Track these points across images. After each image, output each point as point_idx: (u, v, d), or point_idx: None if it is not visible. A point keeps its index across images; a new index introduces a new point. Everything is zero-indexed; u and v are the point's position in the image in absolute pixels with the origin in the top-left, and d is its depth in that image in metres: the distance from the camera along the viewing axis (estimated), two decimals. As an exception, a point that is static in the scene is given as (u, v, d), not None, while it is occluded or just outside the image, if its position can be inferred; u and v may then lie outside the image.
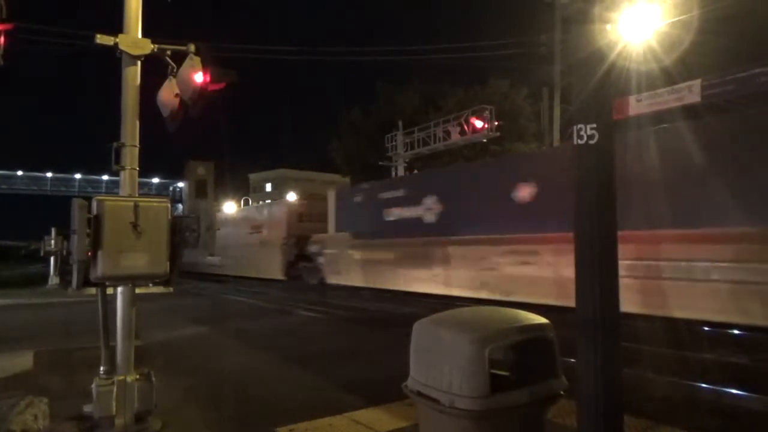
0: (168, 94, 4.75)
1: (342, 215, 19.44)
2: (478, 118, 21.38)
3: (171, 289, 4.56)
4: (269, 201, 39.79)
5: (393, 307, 14.26)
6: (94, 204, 4.04)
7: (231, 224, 28.70)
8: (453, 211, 14.23)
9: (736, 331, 8.89)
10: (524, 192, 11.97)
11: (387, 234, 16.50)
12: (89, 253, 3.95)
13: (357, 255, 17.88)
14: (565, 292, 9.93)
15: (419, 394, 2.85)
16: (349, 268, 18.17)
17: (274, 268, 22.73)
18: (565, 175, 8.91)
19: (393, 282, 16.02)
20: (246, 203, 33.01)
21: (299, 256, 21.14)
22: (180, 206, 57.95)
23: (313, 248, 20.43)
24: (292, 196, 32.10)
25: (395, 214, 16.45)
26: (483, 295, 12.56)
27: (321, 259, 19.85)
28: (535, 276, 11.40)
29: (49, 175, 59.73)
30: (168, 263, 4.26)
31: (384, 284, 16.36)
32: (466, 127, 21.81)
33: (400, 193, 16.58)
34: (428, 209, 15.08)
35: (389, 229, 16.47)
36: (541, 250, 11.32)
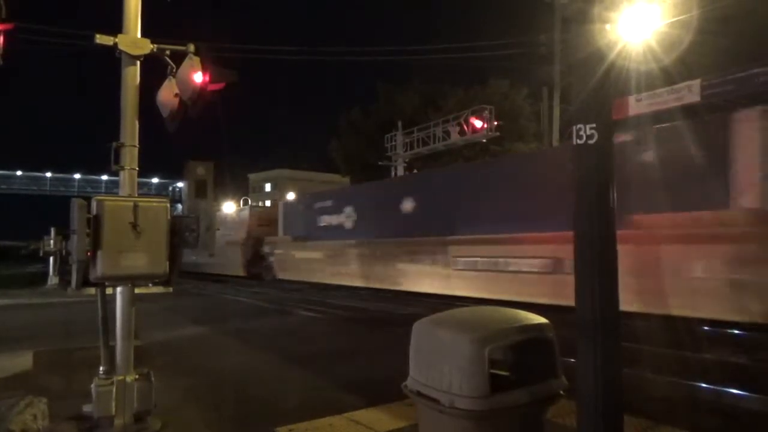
0: (167, 94, 4.75)
1: (287, 221, 23.15)
2: (477, 118, 21.38)
3: (171, 289, 4.56)
4: (268, 202, 39.84)
5: (393, 308, 14.28)
6: (94, 204, 4.03)
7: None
8: (363, 219, 18.00)
9: (736, 331, 8.90)
10: (407, 205, 15.82)
11: (318, 237, 20.15)
12: (89, 253, 3.94)
13: (297, 254, 21.58)
14: (438, 283, 14.09)
15: (419, 394, 2.85)
16: (291, 265, 21.85)
17: (237, 266, 25.71)
18: (434, 193, 14.86)
19: (321, 276, 19.56)
20: (245, 203, 33.04)
21: (256, 256, 24.42)
22: (179, 206, 57.97)
23: (266, 249, 23.92)
24: (291, 196, 32.56)
25: (325, 220, 20.08)
26: (378, 285, 16.43)
27: (272, 258, 23.38)
28: (418, 269, 14.84)
29: (49, 175, 59.75)
30: (167, 263, 4.26)
31: (315, 278, 19.86)
32: (465, 127, 21.82)
33: (328, 203, 20.20)
34: (348, 217, 18.76)
35: (320, 233, 20.10)
36: (420, 250, 14.90)
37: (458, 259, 13.58)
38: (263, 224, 25.40)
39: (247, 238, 25.35)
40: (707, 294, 8.71)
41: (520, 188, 12.32)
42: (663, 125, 10.26)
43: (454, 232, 13.76)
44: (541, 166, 12.52)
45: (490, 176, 14.07)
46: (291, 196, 36.47)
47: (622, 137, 10.39)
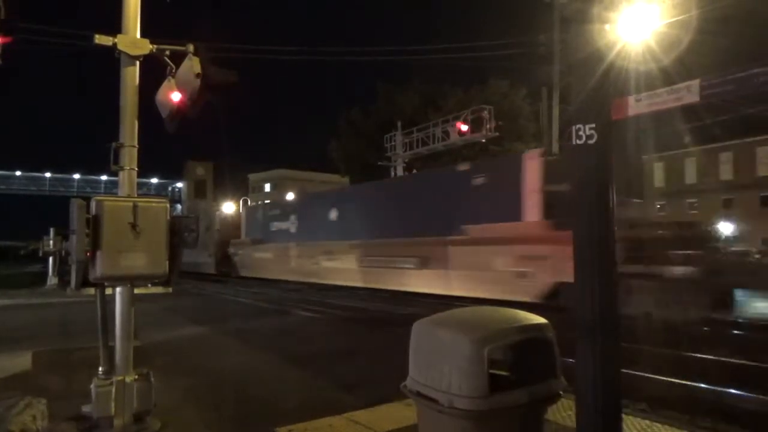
0: (167, 94, 4.75)
1: (248, 225, 26.71)
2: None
3: (170, 290, 4.56)
4: (268, 201, 39.86)
5: (392, 308, 14.29)
6: (93, 204, 4.03)
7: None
8: (303, 225, 21.55)
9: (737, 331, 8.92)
10: (332, 215, 19.48)
11: (271, 240, 23.70)
12: (88, 254, 3.94)
13: (254, 254, 24.91)
14: (351, 277, 17.73)
15: (418, 394, 2.85)
16: (250, 264, 25.33)
17: (209, 265, 28.64)
18: (349, 205, 18.88)
19: (271, 273, 23.14)
20: (245, 203, 33.11)
21: (224, 256, 27.39)
22: (179, 206, 57.91)
23: (231, 249, 27.09)
24: (291, 197, 33.00)
25: (275, 225, 23.54)
26: (313, 280, 20.00)
27: (236, 258, 26.56)
28: (339, 267, 18.27)
29: (48, 175, 59.74)
30: (167, 263, 4.26)
31: (267, 275, 23.38)
32: (460, 128, 21.81)
33: (278, 212, 24.19)
34: (292, 224, 22.36)
35: (272, 237, 23.63)
36: (339, 252, 18.33)
37: (364, 258, 17.09)
38: (232, 227, 28.58)
39: (218, 239, 28.40)
40: (503, 281, 12.14)
41: (407, 203, 16.12)
42: (490, 161, 16.49)
43: (362, 237, 17.34)
44: (417, 186, 17.32)
45: (385, 193, 18.51)
46: (290, 196, 36.64)
47: (462, 167, 14.89)
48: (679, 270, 9.27)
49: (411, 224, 15.26)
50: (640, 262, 9.60)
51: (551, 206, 11.51)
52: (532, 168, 12.25)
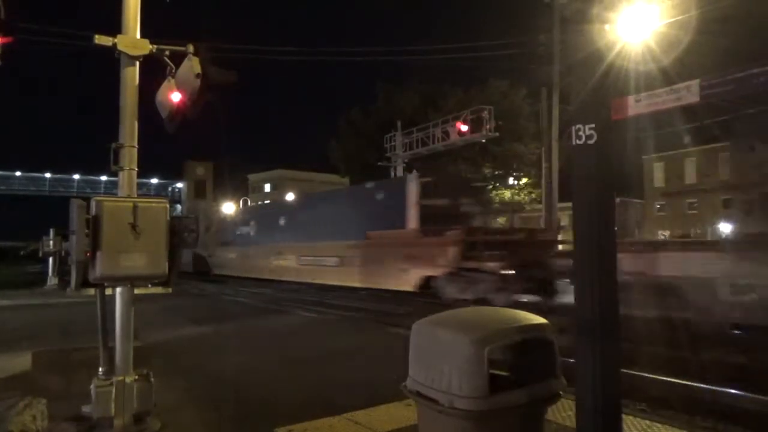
0: (167, 94, 4.75)
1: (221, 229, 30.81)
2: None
3: (170, 290, 4.56)
4: (268, 201, 39.96)
5: (392, 307, 14.30)
6: (93, 204, 4.03)
7: None
8: (260, 230, 25.51)
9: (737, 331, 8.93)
10: (281, 221, 23.40)
11: (236, 243, 27.55)
12: (88, 254, 3.94)
13: (223, 255, 28.63)
14: (293, 274, 21.11)
15: (418, 394, 2.85)
16: (220, 263, 28.81)
17: (186, 264, 29.81)
18: (292, 213, 24.01)
19: (236, 271, 26.46)
20: (245, 204, 33.21)
21: (200, 255, 29.47)
22: (179, 207, 57.92)
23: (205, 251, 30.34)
24: (291, 197, 33.23)
25: (241, 230, 27.45)
26: (266, 276, 23.05)
27: (210, 258, 29.56)
28: (285, 265, 21.86)
29: (48, 175, 59.68)
30: (167, 264, 4.26)
31: (234, 273, 26.55)
32: (460, 129, 21.81)
33: (241, 218, 28.86)
34: (251, 228, 26.40)
35: (238, 239, 27.50)
36: (285, 252, 21.93)
37: (301, 257, 20.65)
38: (207, 230, 30.84)
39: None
40: (391, 276, 15.40)
41: (331, 213, 19.73)
42: (387, 181, 21.64)
43: (300, 241, 20.89)
44: (338, 199, 21.58)
45: (317, 204, 22.23)
46: (290, 196, 36.82)
47: (368, 185, 19.13)
48: (498, 264, 12.46)
49: (333, 230, 18.86)
50: (477, 259, 12.87)
51: (425, 217, 15.46)
52: (412, 187, 16.01)
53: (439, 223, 14.37)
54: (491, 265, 12.52)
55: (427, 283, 14.00)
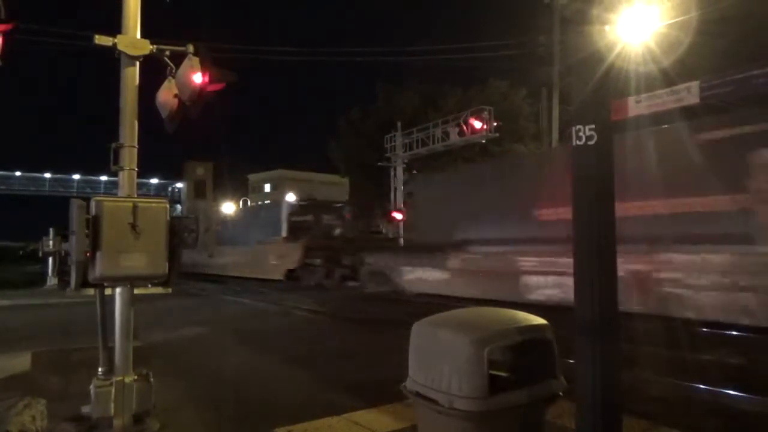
0: (167, 94, 4.75)
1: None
2: (476, 118, 21.36)
3: (170, 290, 4.56)
4: (268, 201, 40.08)
5: (392, 308, 14.28)
6: (93, 204, 4.02)
7: None
8: (236, 232, 29.11)
9: (732, 331, 8.94)
10: (253, 223, 27.20)
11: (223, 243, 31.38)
12: (88, 254, 3.94)
13: (193, 255, 31.22)
14: (235, 270, 25.84)
15: (418, 394, 2.85)
16: (192, 263, 30.82)
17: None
18: (240, 220, 32.08)
19: (226, 272, 28.53)
20: (245, 204, 33.25)
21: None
22: (179, 207, 57.82)
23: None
24: (291, 197, 33.42)
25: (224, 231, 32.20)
26: (219, 272, 26.81)
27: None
28: (231, 263, 26.78)
29: (48, 175, 59.54)
30: (167, 264, 4.26)
31: (203, 271, 29.34)
32: (464, 128, 21.81)
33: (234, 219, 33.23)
34: (223, 230, 30.62)
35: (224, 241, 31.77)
36: (232, 253, 27.09)
37: (237, 257, 26.36)
38: (207, 230, 33.92)
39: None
40: (270, 269, 22.97)
41: (252, 222, 26.75)
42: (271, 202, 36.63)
43: (239, 244, 26.58)
44: (255, 212, 28.88)
45: (249, 215, 29.74)
46: (290, 196, 36.96)
47: (263, 203, 35.47)
48: (322, 260, 20.54)
49: (255, 236, 25.38)
50: (312, 257, 20.90)
51: (292, 229, 22.97)
52: (284, 207, 24.61)
53: (305, 233, 22.07)
54: (318, 261, 20.65)
55: (290, 273, 21.85)
